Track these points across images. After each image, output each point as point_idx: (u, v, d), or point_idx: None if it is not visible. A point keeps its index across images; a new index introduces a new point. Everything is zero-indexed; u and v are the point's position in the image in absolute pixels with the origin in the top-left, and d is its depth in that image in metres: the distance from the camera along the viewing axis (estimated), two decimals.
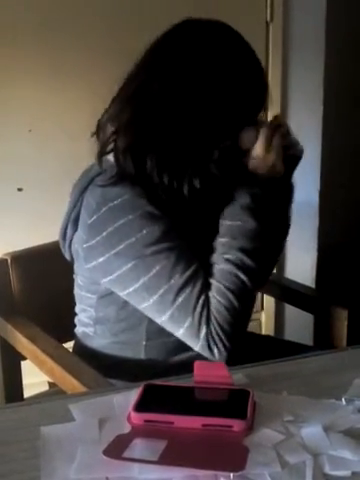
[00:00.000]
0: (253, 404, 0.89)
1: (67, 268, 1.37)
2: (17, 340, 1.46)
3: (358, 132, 2.62)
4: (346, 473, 0.77)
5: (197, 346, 1.18)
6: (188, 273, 1.17)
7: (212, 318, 1.16)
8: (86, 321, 1.35)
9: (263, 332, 2.48)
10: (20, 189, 2.10)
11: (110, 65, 1.82)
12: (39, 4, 2.01)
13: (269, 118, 1.30)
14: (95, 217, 1.19)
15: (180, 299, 1.16)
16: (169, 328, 1.20)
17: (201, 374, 0.95)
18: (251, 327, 1.47)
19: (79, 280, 1.34)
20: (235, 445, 0.82)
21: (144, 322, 1.27)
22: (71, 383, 1.22)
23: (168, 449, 0.80)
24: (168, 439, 0.82)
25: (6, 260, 1.52)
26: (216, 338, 1.16)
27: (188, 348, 1.22)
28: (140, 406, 0.88)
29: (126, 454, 0.79)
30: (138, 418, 0.86)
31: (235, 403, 0.89)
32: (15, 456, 0.81)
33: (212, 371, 0.95)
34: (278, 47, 2.35)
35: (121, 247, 1.17)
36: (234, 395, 0.91)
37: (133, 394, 0.91)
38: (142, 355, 1.29)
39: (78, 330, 1.40)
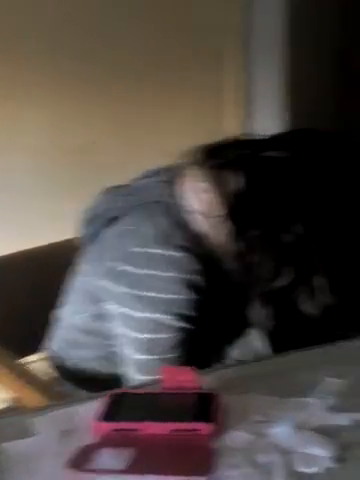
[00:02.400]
0: (221, 407, 0.88)
1: (26, 281, 1.34)
2: None
3: None
4: (316, 470, 0.76)
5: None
6: (182, 358, 1.15)
7: None
8: (75, 325, 1.30)
9: None
10: None
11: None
12: None
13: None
14: (142, 249, 1.14)
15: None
16: (126, 364, 1.18)
17: (169, 379, 0.94)
18: None
19: (82, 280, 1.28)
20: (204, 449, 0.81)
21: None
22: (32, 397, 1.19)
23: (136, 457, 0.78)
24: (136, 447, 0.80)
25: None
26: None
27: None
28: (105, 415, 0.86)
29: (92, 465, 0.77)
30: (103, 427, 0.84)
31: (203, 407, 0.88)
32: None
33: (179, 376, 0.94)
34: None
35: (149, 295, 1.13)
36: (202, 399, 0.90)
37: (96, 404, 0.89)
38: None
39: (61, 334, 1.35)
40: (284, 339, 1.18)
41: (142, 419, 0.85)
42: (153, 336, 1.13)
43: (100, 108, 2.16)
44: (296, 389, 0.94)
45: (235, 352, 1.23)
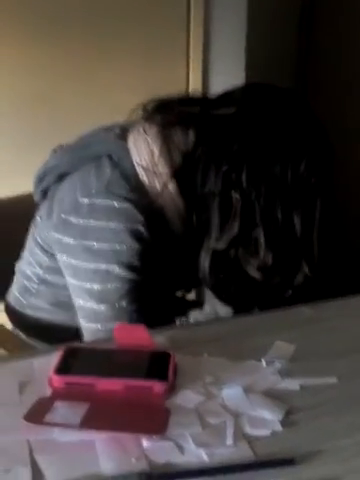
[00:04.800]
0: (174, 366, 0.90)
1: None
2: None
3: None
4: (266, 432, 0.79)
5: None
6: (134, 308, 1.16)
7: None
8: (31, 276, 1.31)
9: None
10: None
11: None
12: None
13: None
14: (87, 200, 1.14)
15: (116, 321, 1.14)
16: (80, 314, 1.19)
17: (122, 337, 0.95)
18: None
19: (38, 233, 1.28)
20: (156, 407, 0.83)
21: None
22: None
23: (90, 412, 0.80)
24: (90, 402, 0.82)
25: None
26: None
27: None
28: (61, 369, 0.87)
29: (47, 418, 0.78)
30: (59, 381, 0.85)
31: (156, 365, 0.90)
32: None
33: (133, 334, 0.95)
34: None
35: (94, 245, 1.13)
36: (155, 357, 0.91)
37: (54, 357, 0.90)
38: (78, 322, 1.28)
39: (18, 282, 1.36)
40: (232, 298, 1.21)
41: (96, 374, 0.86)
42: (102, 286, 1.14)
43: (59, 60, 2.12)
44: (247, 352, 0.96)
45: (196, 313, 1.25)
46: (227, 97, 1.17)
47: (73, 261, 1.16)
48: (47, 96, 2.11)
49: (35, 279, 1.29)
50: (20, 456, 0.73)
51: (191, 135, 1.15)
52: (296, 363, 0.94)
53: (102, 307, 1.14)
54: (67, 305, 1.25)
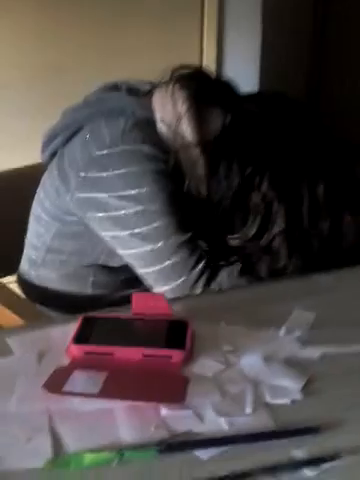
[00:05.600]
0: (192, 335, 0.89)
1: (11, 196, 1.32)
2: None
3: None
4: (286, 401, 0.78)
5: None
6: (187, 237, 1.14)
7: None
8: (38, 245, 1.29)
9: None
10: None
11: None
12: None
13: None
14: (106, 152, 1.12)
15: (176, 257, 1.14)
16: (152, 281, 1.17)
17: (140, 306, 0.94)
18: None
19: (47, 201, 1.26)
20: (175, 376, 0.82)
21: (96, 260, 1.24)
22: (8, 317, 1.19)
23: (108, 381, 0.79)
24: (108, 371, 0.81)
25: None
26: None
27: (136, 283, 1.21)
28: (79, 338, 0.87)
29: (66, 387, 0.78)
30: (77, 350, 0.85)
31: (174, 334, 0.89)
32: None
33: (151, 302, 0.95)
34: None
35: (126, 193, 1.11)
36: (173, 326, 0.91)
37: (71, 327, 0.90)
38: (88, 290, 1.27)
39: (26, 254, 1.35)
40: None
41: (114, 343, 0.86)
42: (148, 227, 1.12)
43: (70, 28, 2.10)
44: (266, 321, 0.95)
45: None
46: (251, 97, 1.20)
47: (108, 214, 1.14)
48: (58, 65, 2.09)
49: (42, 248, 1.28)
50: (40, 425, 0.73)
51: (222, 119, 1.14)
52: (316, 331, 0.93)
53: (159, 244, 1.13)
54: (74, 274, 1.25)
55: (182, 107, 1.14)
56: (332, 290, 1.08)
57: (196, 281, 1.15)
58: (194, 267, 1.14)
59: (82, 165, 1.15)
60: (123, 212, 1.12)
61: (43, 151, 1.29)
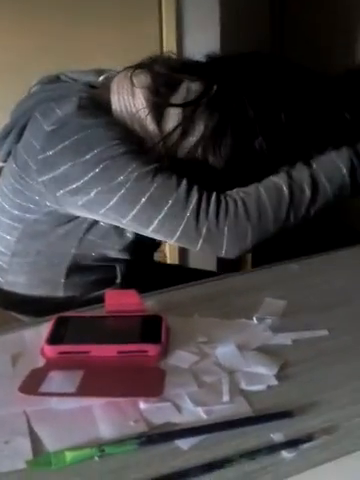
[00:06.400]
0: (166, 328, 0.90)
1: None
2: None
3: None
4: (262, 387, 0.80)
5: (198, 246, 1.07)
6: (154, 166, 1.07)
7: (217, 214, 1.05)
8: (3, 250, 1.26)
9: (168, 262, 2.50)
10: None
11: None
12: None
13: None
14: (59, 125, 1.09)
15: (151, 187, 1.05)
16: (160, 235, 1.09)
17: (113, 303, 0.95)
18: (156, 257, 1.49)
19: (6, 204, 1.23)
20: (152, 369, 0.83)
21: (67, 260, 1.22)
22: None
23: (85, 379, 0.80)
24: (84, 369, 0.82)
25: None
26: (222, 231, 1.06)
27: (107, 283, 1.21)
28: (53, 339, 0.87)
29: (43, 388, 0.78)
30: (52, 351, 0.85)
31: (149, 329, 0.90)
32: None
33: (124, 299, 0.95)
34: None
35: (90, 154, 1.06)
36: (147, 321, 0.92)
37: (44, 328, 0.90)
38: (60, 293, 1.25)
39: None
40: None
41: (89, 342, 0.86)
42: (128, 173, 1.05)
43: (31, 30, 2.09)
44: (238, 311, 0.97)
45: None
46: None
47: (81, 181, 1.07)
48: (21, 67, 2.07)
49: (8, 253, 1.25)
50: (18, 427, 0.73)
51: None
52: (287, 318, 0.95)
53: (151, 188, 1.05)
54: (44, 276, 1.23)
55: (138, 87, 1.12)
56: (301, 277, 1.10)
57: (187, 200, 1.05)
58: (178, 186, 1.06)
59: (39, 146, 1.12)
60: (90, 175, 1.06)
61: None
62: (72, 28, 2.14)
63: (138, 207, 1.05)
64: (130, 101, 1.13)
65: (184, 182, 1.06)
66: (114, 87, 1.15)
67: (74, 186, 1.08)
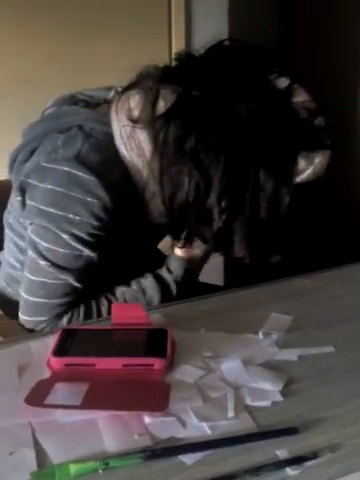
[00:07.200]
0: (172, 342, 0.90)
1: None
2: None
3: None
4: (267, 403, 0.80)
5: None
6: (76, 286, 1.13)
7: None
8: (14, 263, 1.29)
9: None
10: None
11: None
12: None
13: None
14: (50, 165, 1.11)
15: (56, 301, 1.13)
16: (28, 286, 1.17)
17: (119, 316, 0.95)
18: None
19: (12, 218, 1.26)
20: (157, 384, 0.83)
21: None
22: None
23: (90, 392, 0.80)
24: (90, 382, 0.82)
25: None
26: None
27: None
28: (59, 350, 0.87)
29: (48, 400, 0.78)
30: (58, 362, 0.85)
31: (154, 342, 0.90)
32: None
33: (130, 312, 0.95)
34: None
35: (50, 210, 1.10)
36: (153, 335, 0.92)
37: (51, 339, 0.90)
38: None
39: (3, 271, 1.34)
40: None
41: (95, 354, 0.87)
42: (51, 247, 1.11)
43: (40, 42, 2.11)
44: (244, 326, 0.97)
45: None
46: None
47: (34, 224, 1.13)
48: (30, 78, 2.09)
49: (18, 265, 1.28)
50: (23, 438, 0.73)
51: (180, 124, 1.07)
52: (293, 334, 0.95)
53: (42, 262, 1.12)
54: None
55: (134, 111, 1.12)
56: (307, 293, 1.10)
57: (59, 318, 1.13)
58: (66, 294, 1.13)
59: (26, 171, 1.15)
60: (38, 223, 1.12)
61: (10, 172, 1.28)
62: (83, 41, 2.16)
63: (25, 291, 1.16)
64: (135, 152, 1.13)
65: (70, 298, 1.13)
66: (113, 117, 1.15)
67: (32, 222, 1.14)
